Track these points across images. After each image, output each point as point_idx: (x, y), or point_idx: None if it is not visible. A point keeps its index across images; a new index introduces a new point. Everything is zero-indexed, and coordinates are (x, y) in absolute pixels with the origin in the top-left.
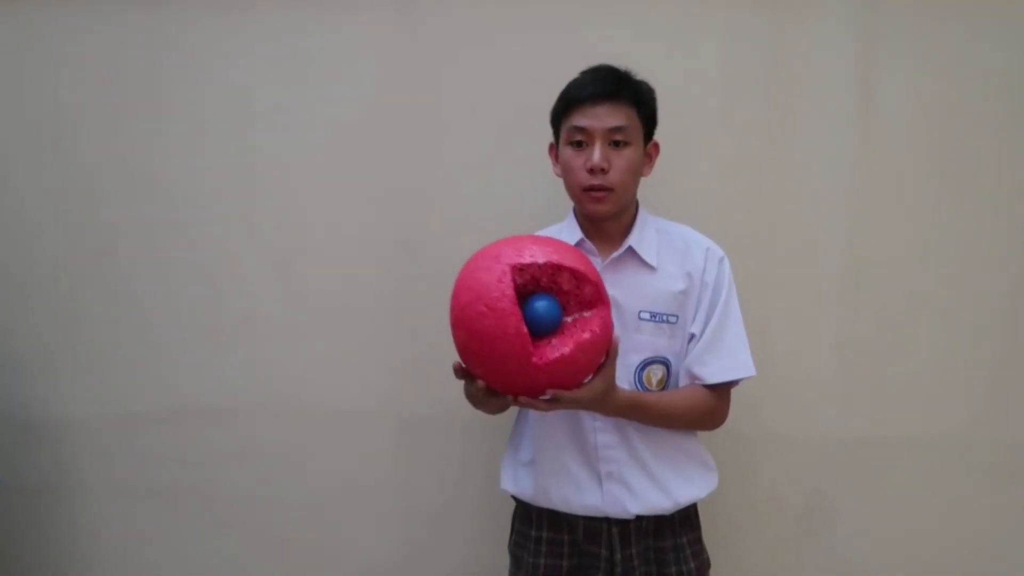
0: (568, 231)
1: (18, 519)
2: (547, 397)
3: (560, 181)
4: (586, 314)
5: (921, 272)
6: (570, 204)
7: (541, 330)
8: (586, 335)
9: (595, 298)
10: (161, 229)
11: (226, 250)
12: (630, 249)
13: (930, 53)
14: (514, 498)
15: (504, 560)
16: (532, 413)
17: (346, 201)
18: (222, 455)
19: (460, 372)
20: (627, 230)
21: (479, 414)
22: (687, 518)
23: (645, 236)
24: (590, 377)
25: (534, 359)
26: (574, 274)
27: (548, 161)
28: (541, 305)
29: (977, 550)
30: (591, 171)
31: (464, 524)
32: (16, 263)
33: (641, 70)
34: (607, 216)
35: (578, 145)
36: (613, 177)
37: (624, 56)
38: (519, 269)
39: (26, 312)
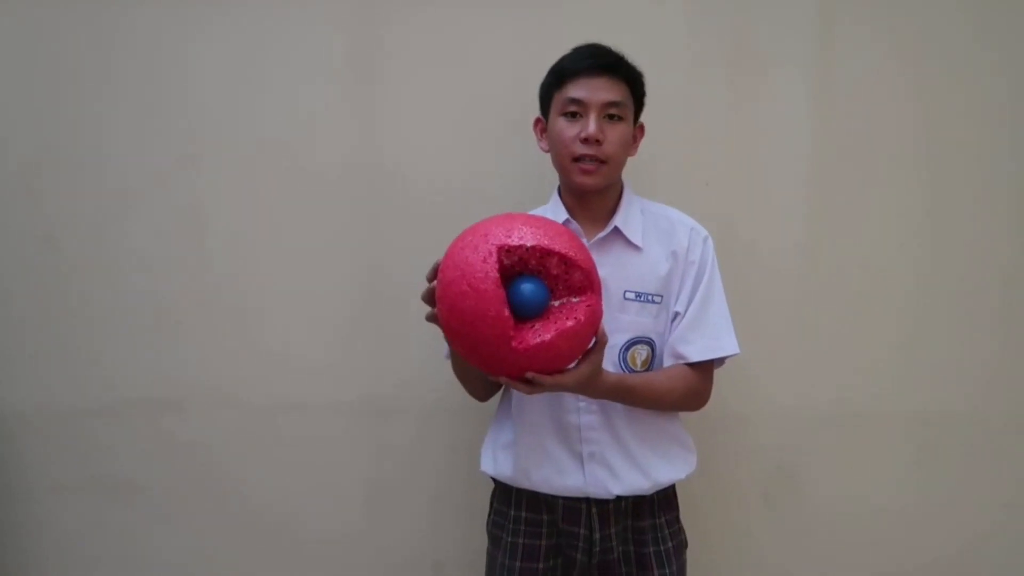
0: (553, 212)
1: None
2: (528, 379)
3: (530, 165)
4: (574, 300)
5: (879, 250)
6: (542, 187)
7: (526, 313)
8: (570, 323)
9: (584, 284)
10: (106, 220)
11: (176, 239)
12: (616, 229)
13: (890, 31)
14: (493, 479)
15: (475, 545)
16: (514, 395)
17: (304, 188)
18: (172, 448)
19: (431, 317)
20: (613, 210)
21: (445, 402)
22: (666, 498)
23: (631, 216)
24: (575, 362)
25: (514, 343)
26: (563, 259)
27: (514, 146)
28: (527, 288)
29: (933, 520)
30: (585, 141)
31: (432, 510)
32: None
33: None
34: (595, 189)
35: (572, 116)
36: (607, 149)
37: (587, 37)
38: (506, 250)
39: None
